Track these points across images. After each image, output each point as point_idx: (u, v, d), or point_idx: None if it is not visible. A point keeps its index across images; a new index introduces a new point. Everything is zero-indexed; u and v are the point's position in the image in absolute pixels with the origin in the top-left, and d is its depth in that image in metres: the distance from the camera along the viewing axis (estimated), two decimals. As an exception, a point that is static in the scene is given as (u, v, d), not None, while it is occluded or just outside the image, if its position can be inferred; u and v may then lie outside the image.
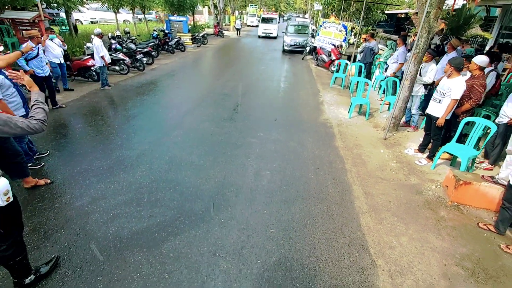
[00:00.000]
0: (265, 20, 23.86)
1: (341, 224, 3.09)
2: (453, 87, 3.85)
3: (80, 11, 13.59)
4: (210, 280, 2.36)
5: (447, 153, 4.26)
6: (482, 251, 2.86)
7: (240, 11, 40.66)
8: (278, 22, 25.22)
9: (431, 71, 5.02)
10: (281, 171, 4.04)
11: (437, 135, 4.24)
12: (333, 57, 11.07)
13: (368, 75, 9.56)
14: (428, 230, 3.09)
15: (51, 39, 6.46)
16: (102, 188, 3.42)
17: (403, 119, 5.93)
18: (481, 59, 3.98)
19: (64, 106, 5.97)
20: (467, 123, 4.07)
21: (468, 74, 4.31)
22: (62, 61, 6.59)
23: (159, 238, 2.74)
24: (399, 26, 17.44)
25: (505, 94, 5.26)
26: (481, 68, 4.03)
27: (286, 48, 15.47)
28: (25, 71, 5.32)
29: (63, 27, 14.25)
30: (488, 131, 3.99)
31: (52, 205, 3.11)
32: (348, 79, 9.12)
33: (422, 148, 4.64)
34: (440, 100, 4.05)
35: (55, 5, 10.61)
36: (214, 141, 4.82)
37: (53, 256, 2.41)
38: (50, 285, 2.24)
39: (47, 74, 5.47)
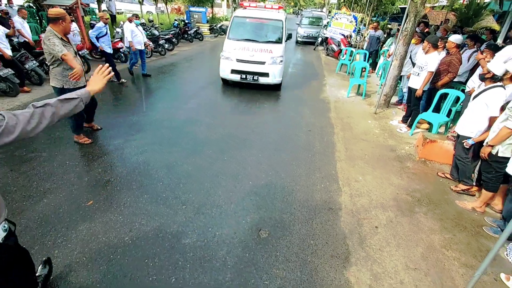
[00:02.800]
0: (245, 30, 6.90)
1: (320, 166, 3.82)
2: (429, 61, 4.44)
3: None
4: (212, 190, 3.18)
5: (425, 121, 4.85)
6: (433, 189, 3.52)
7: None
8: (288, 38, 7.36)
9: (421, 52, 5.55)
10: (278, 130, 4.80)
11: (416, 105, 4.83)
12: (342, 47, 11.58)
13: (375, 63, 10.05)
14: (391, 173, 3.78)
15: (137, 25, 7.00)
16: (133, 133, 4.33)
17: (396, 99, 6.50)
18: (456, 38, 4.53)
19: (125, 80, 6.89)
20: (444, 97, 4.64)
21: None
22: (143, 48, 7.23)
23: (176, 165, 3.59)
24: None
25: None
26: (457, 46, 4.57)
27: (299, 39, 16.01)
28: (96, 47, 6.33)
29: (93, 16, 15.55)
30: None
31: (96, 142, 4.05)
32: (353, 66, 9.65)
33: (405, 119, 5.24)
34: (418, 73, 4.65)
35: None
36: (224, 109, 5.64)
37: (44, 258, 2.11)
38: (101, 186, 3.14)
39: (111, 51, 6.46)
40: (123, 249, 2.36)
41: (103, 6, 14.14)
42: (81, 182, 3.15)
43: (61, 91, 3.61)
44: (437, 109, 4.76)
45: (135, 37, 6.91)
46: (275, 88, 7.00)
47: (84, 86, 3.90)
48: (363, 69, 7.75)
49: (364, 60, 9.02)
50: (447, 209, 3.17)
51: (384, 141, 4.69)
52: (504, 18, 11.31)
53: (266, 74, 6.38)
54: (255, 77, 6.35)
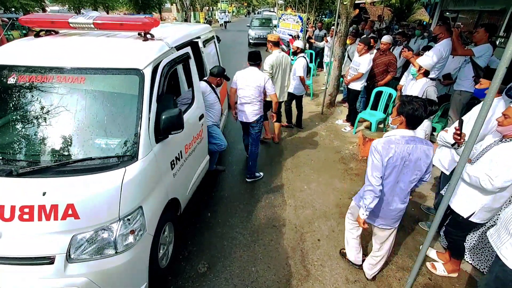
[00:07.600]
0: None
1: (267, 179, 3.74)
2: (362, 62, 4.60)
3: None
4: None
5: (364, 119, 5.04)
6: (374, 188, 3.61)
7: (210, 8, 40.73)
8: (172, 128, 1.95)
9: (356, 53, 5.76)
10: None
11: (353, 105, 5.00)
12: (291, 46, 11.78)
13: (322, 62, 10.34)
14: (335, 177, 3.82)
15: None
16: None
17: (341, 97, 6.70)
18: (387, 38, 4.74)
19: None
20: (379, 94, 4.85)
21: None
22: None
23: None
24: (359, 17, 18.46)
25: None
26: (390, 45, 4.81)
27: (251, 41, 16.01)
28: None
29: (24, 31, 14.11)
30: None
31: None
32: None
33: (348, 118, 5.40)
34: (353, 74, 4.80)
35: (13, 9, 10.60)
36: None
37: None
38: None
39: None
40: None
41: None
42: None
43: None
44: (376, 106, 4.95)
45: None
46: None
47: None
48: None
49: (311, 60, 9.23)
50: (386, 208, 3.26)
51: (329, 143, 4.77)
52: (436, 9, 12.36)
53: None
54: None
